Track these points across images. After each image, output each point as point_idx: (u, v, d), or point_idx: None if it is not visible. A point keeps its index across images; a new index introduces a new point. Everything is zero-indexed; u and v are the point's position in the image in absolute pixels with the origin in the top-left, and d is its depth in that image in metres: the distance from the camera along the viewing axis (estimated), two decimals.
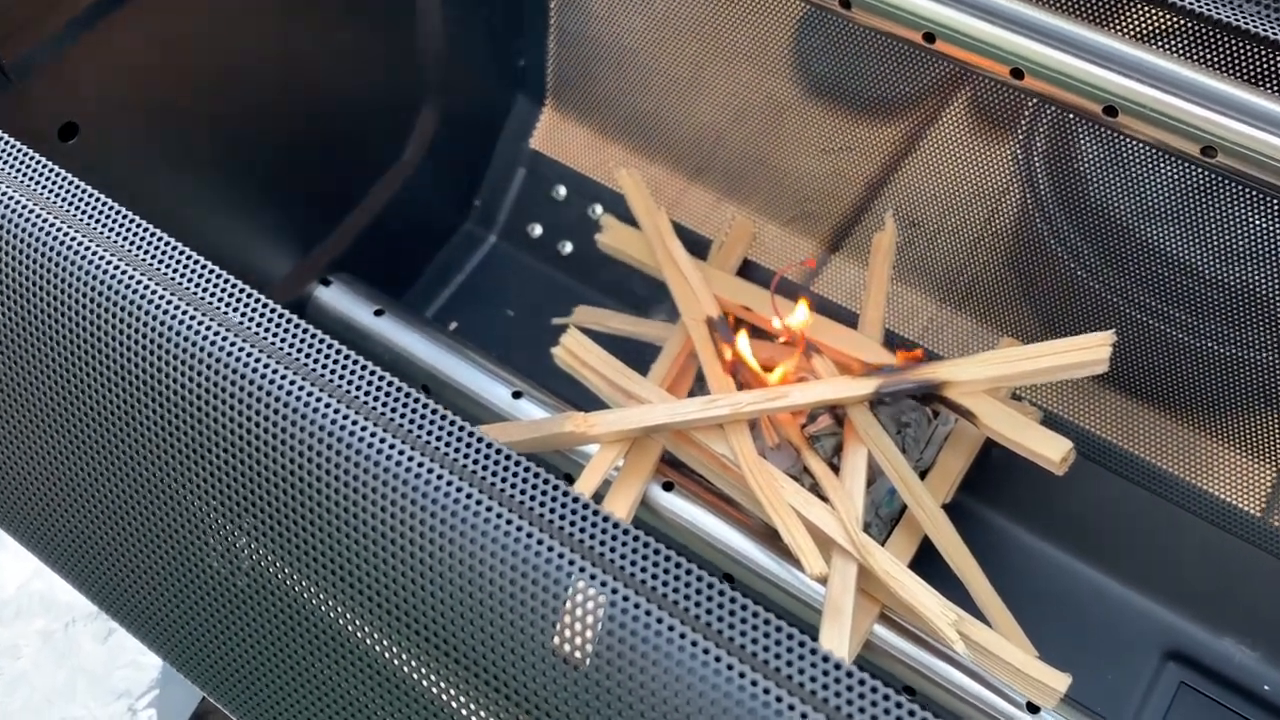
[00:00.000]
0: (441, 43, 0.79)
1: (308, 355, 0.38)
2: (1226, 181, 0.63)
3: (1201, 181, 0.65)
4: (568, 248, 0.89)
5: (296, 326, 0.39)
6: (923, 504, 0.66)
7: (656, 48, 0.82)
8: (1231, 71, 0.56)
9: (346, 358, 0.39)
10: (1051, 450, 0.61)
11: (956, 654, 0.62)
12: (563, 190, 0.89)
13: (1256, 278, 0.66)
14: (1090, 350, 0.62)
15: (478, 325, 0.87)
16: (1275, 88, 0.55)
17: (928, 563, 0.68)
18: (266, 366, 0.37)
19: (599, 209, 0.87)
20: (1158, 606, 0.73)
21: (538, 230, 0.89)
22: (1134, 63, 0.56)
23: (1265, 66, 0.55)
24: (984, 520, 0.76)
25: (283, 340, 0.38)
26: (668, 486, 0.70)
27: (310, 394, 0.37)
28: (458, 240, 0.90)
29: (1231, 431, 0.72)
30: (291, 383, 0.37)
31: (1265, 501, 0.72)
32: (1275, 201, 0.63)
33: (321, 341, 0.39)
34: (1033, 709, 0.63)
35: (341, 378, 0.38)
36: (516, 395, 0.74)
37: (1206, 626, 0.72)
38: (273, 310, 0.39)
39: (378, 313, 0.78)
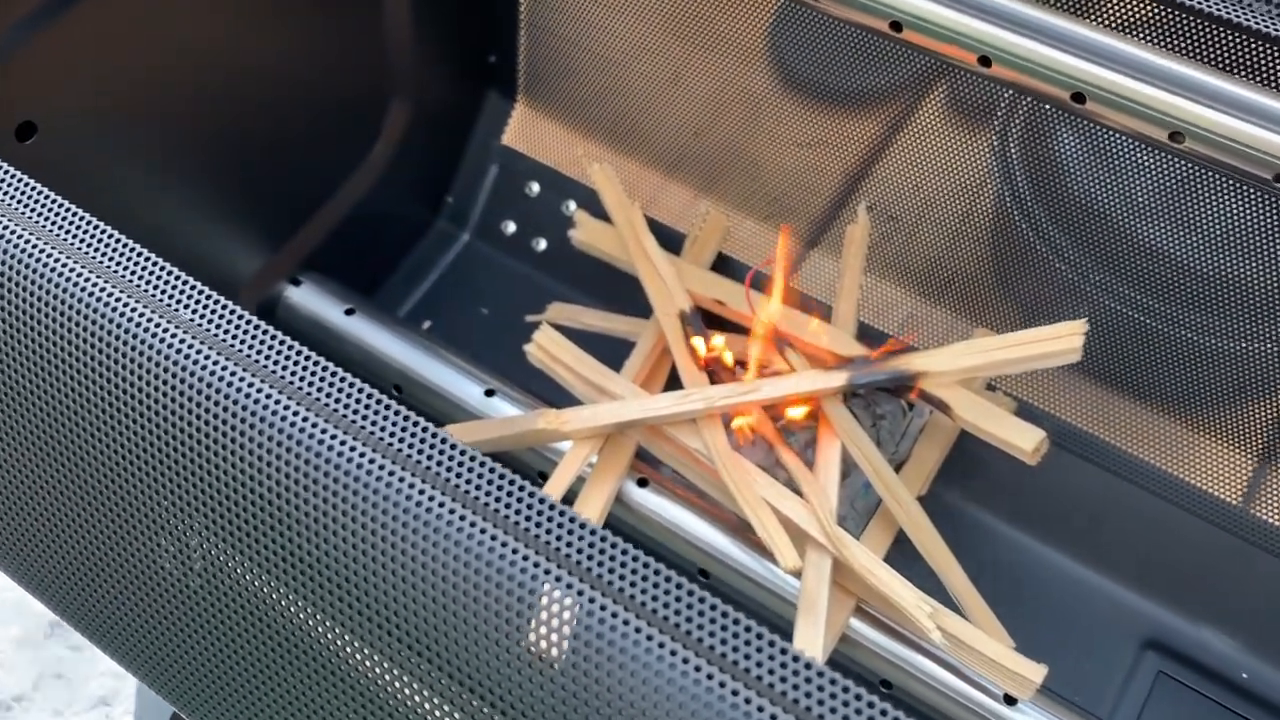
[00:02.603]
0: (408, 37, 0.78)
1: (259, 352, 0.37)
2: (1201, 170, 0.63)
3: (1178, 171, 0.64)
4: (542, 245, 0.88)
5: (248, 322, 0.38)
6: (897, 497, 0.66)
7: (629, 43, 0.81)
8: (1198, 57, 0.55)
9: (303, 355, 0.38)
10: (1024, 440, 0.61)
11: (933, 646, 0.62)
12: (536, 187, 0.88)
13: (1233, 267, 0.66)
14: (1063, 339, 0.62)
15: (451, 324, 0.86)
16: (1241, 73, 0.55)
17: (904, 555, 0.67)
18: (216, 364, 0.37)
19: (573, 205, 0.87)
20: (1135, 596, 0.73)
21: (511, 227, 0.89)
22: (1101, 49, 0.56)
23: (1232, 51, 0.55)
24: (961, 512, 0.76)
25: (234, 337, 0.38)
26: (642, 483, 0.70)
27: (261, 390, 0.36)
28: (430, 238, 0.89)
29: (1209, 421, 0.72)
30: (242, 379, 0.36)
31: (1243, 490, 0.72)
32: (1250, 189, 0.63)
33: (275, 338, 0.38)
34: (1010, 701, 0.62)
35: (298, 376, 0.37)
36: (489, 393, 0.74)
37: (1185, 615, 0.72)
38: (224, 306, 0.38)
39: (349, 312, 0.77)
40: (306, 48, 0.74)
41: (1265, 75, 0.54)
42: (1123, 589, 0.73)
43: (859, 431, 0.67)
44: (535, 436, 0.69)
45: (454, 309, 0.87)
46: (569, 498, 0.68)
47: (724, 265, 0.82)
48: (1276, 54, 0.54)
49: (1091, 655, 0.71)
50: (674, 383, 0.73)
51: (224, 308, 0.38)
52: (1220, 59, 0.55)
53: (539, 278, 0.87)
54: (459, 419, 0.73)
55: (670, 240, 0.82)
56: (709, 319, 0.76)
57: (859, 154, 0.77)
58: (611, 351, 0.76)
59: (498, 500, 0.35)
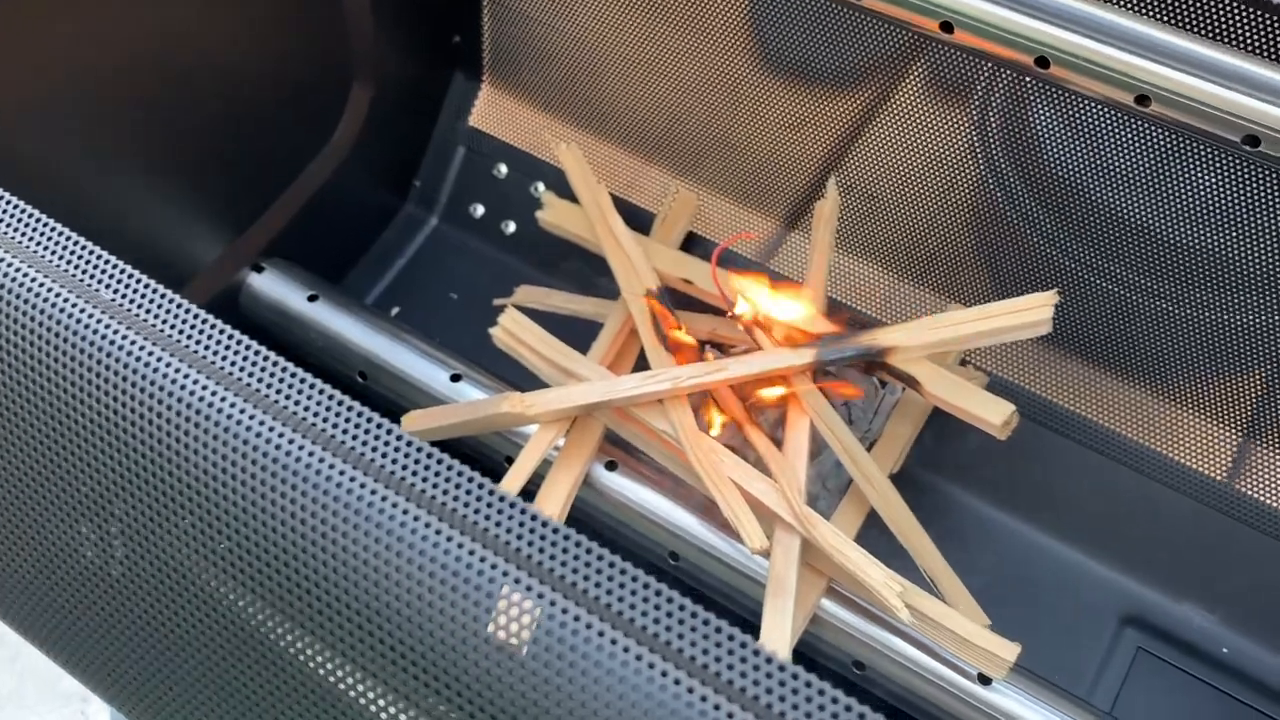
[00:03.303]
0: (368, 19, 0.77)
1: (191, 337, 0.36)
2: (1174, 136, 0.62)
3: (1153, 140, 0.63)
4: (511, 227, 0.87)
5: (176, 304, 0.37)
6: (868, 475, 0.64)
7: (596, 20, 0.80)
8: (1163, 18, 0.54)
9: (237, 340, 0.37)
10: (993, 414, 0.60)
11: (905, 626, 0.61)
12: (504, 169, 0.87)
13: (1209, 237, 0.65)
14: (1033, 311, 0.61)
15: (421, 309, 0.85)
16: (1206, 33, 0.53)
17: (879, 534, 0.66)
18: (141, 347, 0.35)
19: (541, 186, 0.85)
20: (1114, 572, 0.71)
21: (480, 210, 0.88)
22: (1064, 11, 0.55)
23: (1197, 11, 0.53)
24: (937, 489, 0.74)
25: (161, 320, 0.36)
26: (611, 465, 0.69)
27: (189, 377, 0.35)
28: (398, 223, 0.88)
29: (1190, 395, 0.71)
30: (169, 365, 0.35)
31: (1224, 465, 0.71)
32: (1222, 155, 0.61)
33: (209, 324, 0.37)
34: (984, 680, 0.61)
35: (234, 365, 0.36)
36: (455, 378, 0.73)
37: (1165, 591, 0.71)
38: (149, 287, 0.37)
39: (312, 298, 0.76)
40: (263, 29, 0.72)
41: (1232, 35, 0.53)
42: (1102, 565, 0.72)
43: (829, 409, 0.66)
44: (500, 420, 0.67)
45: (423, 294, 0.86)
46: (534, 481, 0.67)
47: (695, 244, 0.81)
48: (1242, 13, 0.52)
49: (1070, 632, 0.70)
50: (643, 364, 0.72)
51: (149, 288, 0.37)
52: (1185, 19, 0.54)
53: (509, 260, 0.86)
54: (425, 404, 0.72)
55: (644, 221, 0.81)
56: (678, 299, 0.74)
57: (836, 133, 0.76)
58: (585, 334, 0.74)
59: (453, 498, 0.33)
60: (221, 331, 0.36)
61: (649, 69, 0.79)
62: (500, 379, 0.73)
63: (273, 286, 0.77)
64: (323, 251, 0.83)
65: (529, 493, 0.67)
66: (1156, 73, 0.53)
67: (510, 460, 0.68)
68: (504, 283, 0.81)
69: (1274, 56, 0.53)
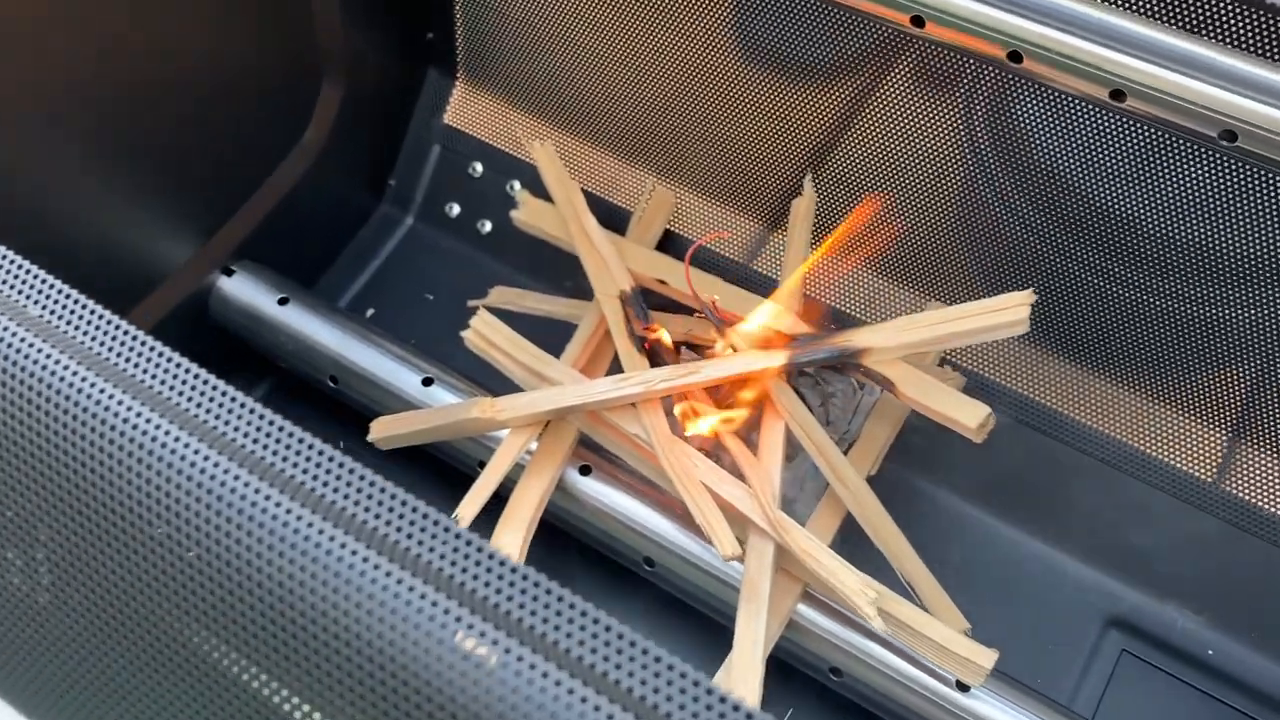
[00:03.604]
0: (337, 16, 0.75)
1: (124, 356, 0.35)
2: (1161, 136, 0.60)
3: (1139, 137, 0.61)
4: (487, 226, 0.85)
5: (108, 322, 0.36)
6: (843, 477, 0.63)
7: (572, 16, 0.78)
8: (1136, 9, 0.53)
9: (169, 359, 0.35)
10: (968, 417, 0.59)
11: (881, 632, 0.60)
12: (480, 167, 0.85)
13: (1198, 235, 0.63)
14: (1009, 311, 0.59)
15: (397, 311, 0.84)
16: (1182, 25, 0.52)
17: (860, 537, 0.65)
18: (65, 367, 0.34)
19: (517, 185, 0.84)
20: (1098, 574, 0.70)
21: (456, 210, 0.86)
22: (1036, 4, 0.53)
23: (1171, 4, 0.52)
24: (917, 490, 0.73)
25: (91, 338, 0.35)
26: (585, 470, 0.68)
27: (113, 397, 0.33)
28: (373, 223, 0.87)
29: (1176, 394, 0.70)
30: (94, 386, 0.34)
31: (1210, 465, 0.70)
32: (1201, 151, 0.60)
33: (144, 344, 0.35)
34: (963, 687, 0.60)
35: (161, 381, 0.34)
36: (427, 382, 0.71)
37: (1150, 593, 0.70)
38: (80, 304, 0.36)
39: (282, 301, 0.75)
40: (227, 25, 0.71)
41: (1208, 28, 0.51)
42: (1086, 567, 0.71)
43: (803, 411, 0.64)
44: (470, 426, 0.66)
45: (399, 295, 0.85)
46: (506, 486, 0.66)
47: (673, 242, 0.80)
48: (1219, 5, 0.51)
49: (1053, 635, 0.69)
50: (619, 366, 0.71)
51: (78, 304, 0.36)
52: (1160, 12, 0.52)
53: (485, 261, 0.85)
54: (396, 409, 0.71)
55: (622, 219, 0.80)
56: (654, 299, 0.73)
57: (815, 129, 0.74)
58: (565, 335, 0.73)
59: (397, 530, 0.32)
60: (154, 350, 0.35)
61: (626, 65, 0.78)
62: (475, 383, 0.72)
63: (243, 290, 0.76)
64: (296, 253, 0.82)
65: (501, 497, 0.66)
66: (1131, 67, 0.52)
67: (484, 465, 0.67)
68: (481, 283, 0.80)
69: (1253, 50, 0.52)
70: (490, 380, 0.71)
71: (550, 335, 0.73)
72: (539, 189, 0.78)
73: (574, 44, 0.79)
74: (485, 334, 0.69)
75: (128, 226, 0.70)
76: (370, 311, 0.84)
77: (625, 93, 0.79)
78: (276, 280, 0.76)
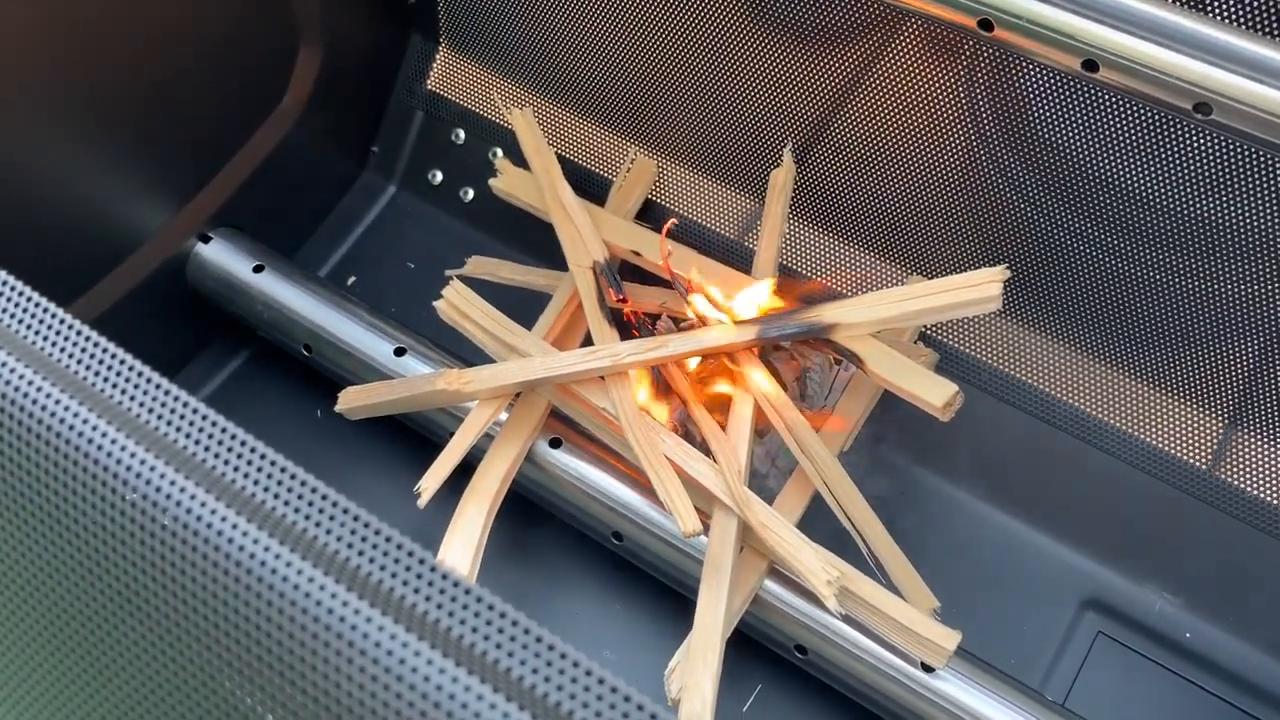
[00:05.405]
0: None
1: (67, 351, 0.34)
2: (1139, 109, 0.58)
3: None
4: (469, 194, 0.85)
5: (52, 315, 0.35)
6: (811, 453, 0.62)
7: None
8: None
9: (112, 355, 0.34)
10: (935, 395, 0.58)
11: (832, 611, 0.59)
12: (462, 134, 0.84)
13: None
14: (981, 287, 0.58)
15: (378, 278, 0.83)
16: None
17: (832, 514, 0.64)
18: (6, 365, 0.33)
19: (499, 152, 0.83)
20: (1075, 554, 0.69)
21: (439, 177, 0.85)
22: None
23: None
24: (892, 467, 0.72)
25: (34, 331, 0.34)
26: (555, 443, 0.67)
27: (50, 395, 0.33)
28: (356, 190, 0.86)
29: (1157, 372, 0.68)
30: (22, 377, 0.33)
31: (1190, 445, 0.68)
32: (1179, 123, 0.58)
33: (86, 337, 0.34)
34: (927, 668, 0.59)
35: (96, 374, 0.33)
36: (399, 352, 0.71)
37: (1127, 574, 0.68)
38: (26, 297, 0.35)
39: (257, 269, 0.74)
40: None
41: None
42: (1062, 547, 0.70)
43: (773, 386, 0.63)
44: (436, 398, 0.66)
45: (381, 263, 0.84)
46: (472, 458, 0.65)
47: (653, 212, 0.78)
48: None
49: (1028, 615, 0.68)
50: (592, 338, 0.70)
51: (23, 296, 0.35)
52: None
53: (467, 229, 0.84)
54: (368, 379, 0.71)
55: (603, 188, 0.79)
56: (630, 271, 0.72)
57: (801, 99, 0.72)
58: (542, 307, 0.72)
59: (334, 537, 0.30)
60: (99, 347, 0.34)
61: (610, 30, 0.76)
62: (449, 353, 0.71)
63: (219, 256, 0.75)
64: (279, 221, 0.81)
65: (469, 467, 0.65)
66: (1103, 37, 0.50)
67: (450, 434, 0.67)
68: (462, 251, 0.79)
69: (1232, 20, 0.50)
70: (467, 351, 0.71)
71: (530, 306, 0.72)
72: (520, 157, 0.77)
73: (557, 8, 0.78)
74: (457, 304, 0.69)
75: (102, 191, 0.70)
76: (352, 280, 0.83)
77: (609, 59, 0.78)
78: (254, 247, 0.76)
